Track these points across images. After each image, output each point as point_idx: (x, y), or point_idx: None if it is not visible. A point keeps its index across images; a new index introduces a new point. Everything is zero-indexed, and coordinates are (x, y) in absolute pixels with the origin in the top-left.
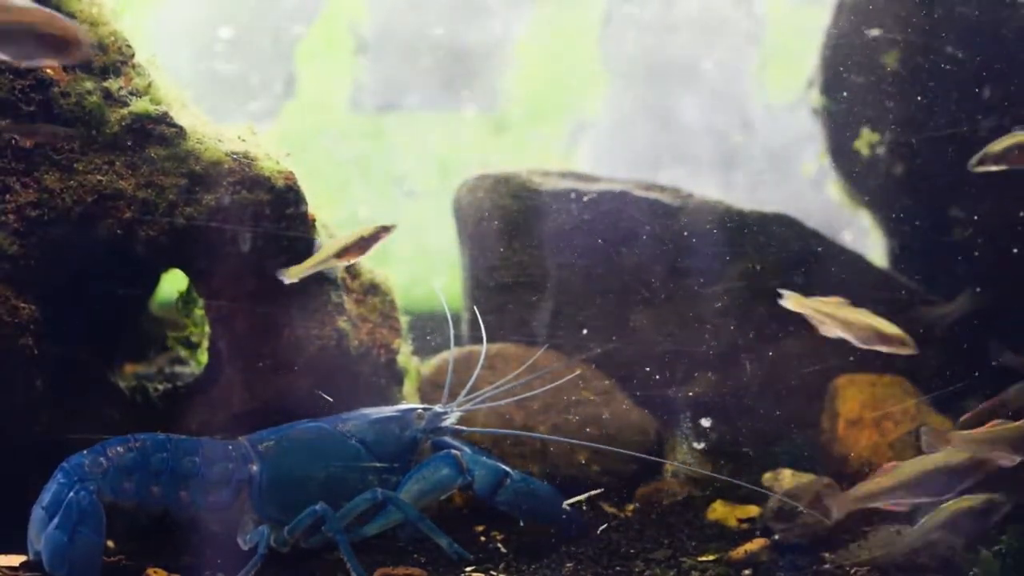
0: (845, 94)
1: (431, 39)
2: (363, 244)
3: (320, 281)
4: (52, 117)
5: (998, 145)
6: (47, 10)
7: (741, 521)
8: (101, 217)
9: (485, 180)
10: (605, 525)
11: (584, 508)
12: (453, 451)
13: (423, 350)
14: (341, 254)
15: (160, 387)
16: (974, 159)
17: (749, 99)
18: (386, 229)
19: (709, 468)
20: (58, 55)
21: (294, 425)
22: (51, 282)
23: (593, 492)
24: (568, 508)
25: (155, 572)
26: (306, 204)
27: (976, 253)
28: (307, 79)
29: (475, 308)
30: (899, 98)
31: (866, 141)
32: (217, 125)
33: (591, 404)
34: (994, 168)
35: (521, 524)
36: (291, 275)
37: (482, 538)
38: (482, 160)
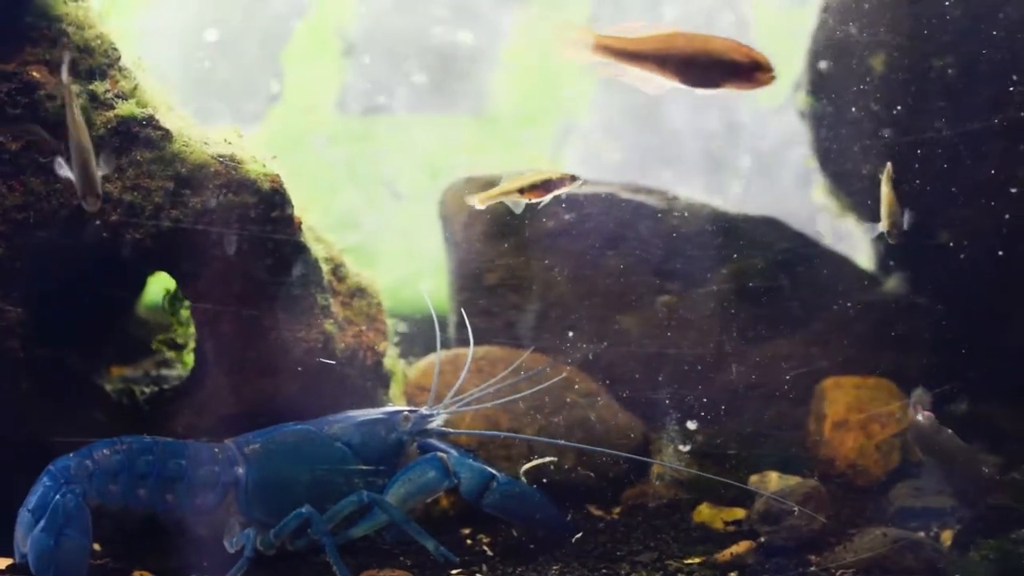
0: (831, 96)
1: (418, 41)
2: (547, 186)
3: (306, 284)
4: (38, 120)
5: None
6: (729, 40)
7: (727, 523)
8: (87, 220)
9: (472, 183)
10: (580, 533)
11: (569, 510)
12: (439, 454)
13: (410, 353)
14: (524, 191)
15: (146, 390)
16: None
17: (736, 101)
18: (573, 178)
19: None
20: (743, 82)
21: (280, 428)
22: (37, 285)
23: (547, 459)
24: (523, 480)
25: (141, 575)
26: (292, 207)
27: (962, 256)
28: (294, 82)
29: (462, 310)
30: (885, 100)
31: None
32: (203, 128)
33: (578, 406)
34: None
35: (514, 533)
36: (479, 201)
37: (468, 541)
38: (470, 163)
